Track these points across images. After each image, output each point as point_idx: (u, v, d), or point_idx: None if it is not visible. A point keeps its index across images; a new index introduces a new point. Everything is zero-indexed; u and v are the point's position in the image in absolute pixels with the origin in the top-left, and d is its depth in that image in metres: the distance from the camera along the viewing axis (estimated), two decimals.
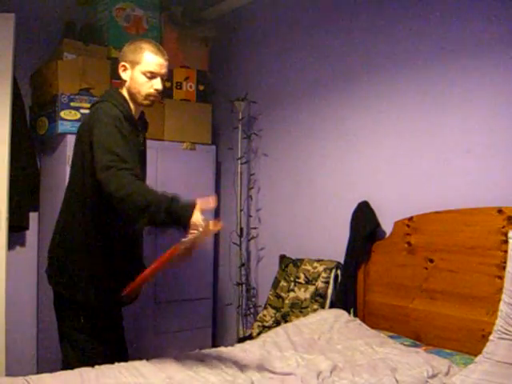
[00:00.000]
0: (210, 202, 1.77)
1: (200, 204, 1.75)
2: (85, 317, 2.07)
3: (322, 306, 2.70)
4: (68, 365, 2.00)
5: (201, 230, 1.69)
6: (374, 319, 2.57)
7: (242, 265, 3.42)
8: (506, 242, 2.04)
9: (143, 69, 2.09)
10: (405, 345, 2.22)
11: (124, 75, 2.14)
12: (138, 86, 2.11)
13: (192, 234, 1.71)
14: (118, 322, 2.29)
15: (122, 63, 2.14)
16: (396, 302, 2.49)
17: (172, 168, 3.33)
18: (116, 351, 2.18)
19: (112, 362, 1.93)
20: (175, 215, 1.75)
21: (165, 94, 3.38)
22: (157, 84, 2.11)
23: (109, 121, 1.97)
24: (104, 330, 2.14)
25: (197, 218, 1.72)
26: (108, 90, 2.24)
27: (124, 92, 2.14)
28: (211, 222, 1.73)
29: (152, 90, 2.11)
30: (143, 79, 2.10)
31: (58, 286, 2.15)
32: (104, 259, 2.09)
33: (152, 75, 2.10)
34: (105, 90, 2.29)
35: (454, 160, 2.38)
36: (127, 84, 2.13)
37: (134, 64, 2.10)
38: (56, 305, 2.17)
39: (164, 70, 2.14)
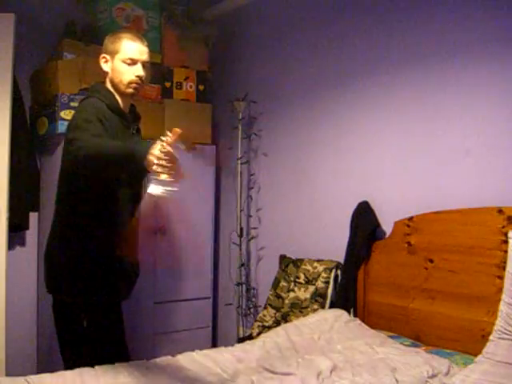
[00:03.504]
0: (173, 133, 1.58)
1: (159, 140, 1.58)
2: (87, 319, 2.07)
3: (322, 306, 2.70)
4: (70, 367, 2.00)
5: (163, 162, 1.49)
6: (374, 319, 2.57)
7: (242, 265, 3.42)
8: (505, 242, 2.04)
9: (123, 56, 2.10)
10: (405, 345, 2.22)
11: (105, 66, 2.15)
12: (120, 75, 2.11)
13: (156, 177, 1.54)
14: (117, 323, 2.29)
15: (103, 55, 2.15)
16: (396, 302, 2.49)
17: None
18: (116, 352, 2.18)
19: (112, 362, 1.93)
20: (132, 153, 1.66)
21: (165, 93, 3.40)
22: (138, 70, 2.12)
23: (89, 111, 1.97)
24: (104, 331, 2.13)
25: (155, 151, 1.59)
26: (93, 85, 2.23)
27: (108, 85, 2.15)
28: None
29: (133, 77, 2.11)
30: (124, 67, 2.11)
31: (57, 291, 2.14)
32: (99, 258, 2.08)
33: (132, 62, 2.11)
34: (90, 86, 2.29)
35: (454, 160, 2.38)
36: (109, 75, 2.15)
37: (113, 54, 2.12)
38: (56, 311, 2.16)
39: (144, 56, 2.14)
